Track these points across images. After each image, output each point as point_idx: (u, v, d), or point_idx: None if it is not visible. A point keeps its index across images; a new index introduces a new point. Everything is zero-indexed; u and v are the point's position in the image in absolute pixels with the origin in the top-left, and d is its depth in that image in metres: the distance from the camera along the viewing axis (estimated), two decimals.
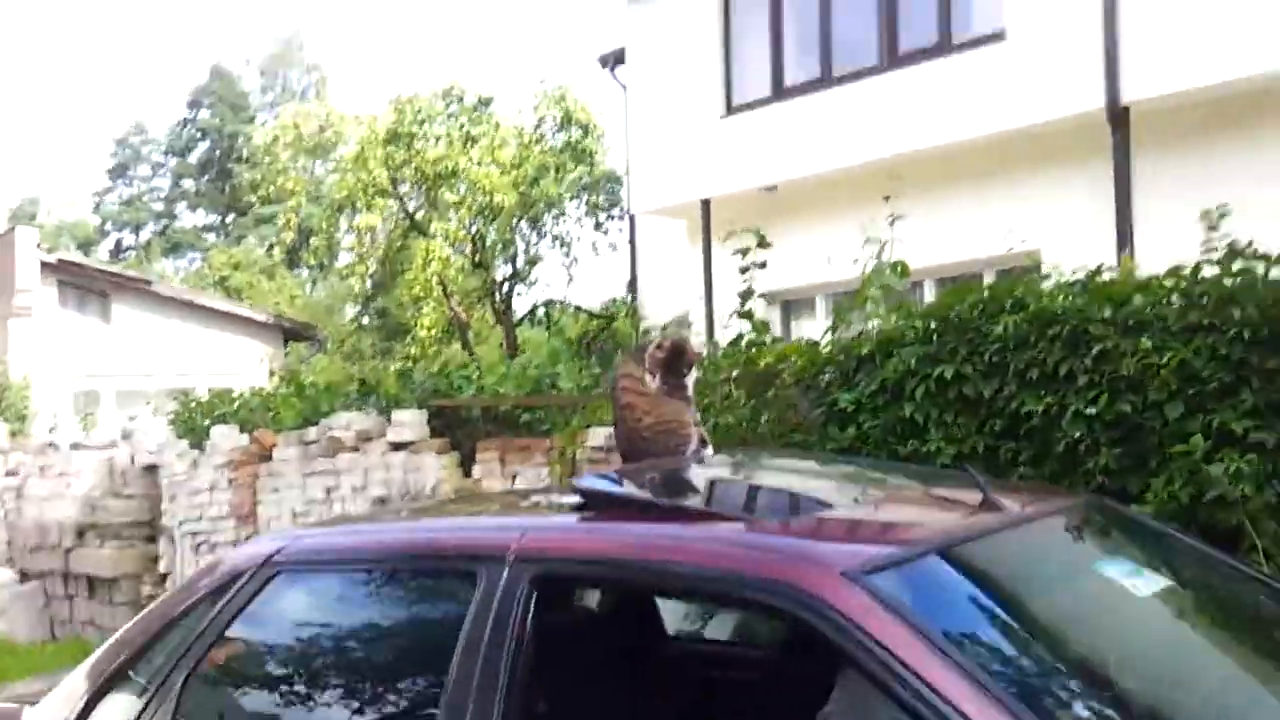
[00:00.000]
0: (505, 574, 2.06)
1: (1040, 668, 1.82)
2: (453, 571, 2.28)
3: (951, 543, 2.00)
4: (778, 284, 9.73)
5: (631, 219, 13.77)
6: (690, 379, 3.05)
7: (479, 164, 16.59)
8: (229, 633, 2.47)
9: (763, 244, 5.03)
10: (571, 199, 17.48)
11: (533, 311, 18.65)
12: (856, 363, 4.73)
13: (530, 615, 2.03)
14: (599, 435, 6.21)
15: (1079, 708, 1.73)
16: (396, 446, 7.59)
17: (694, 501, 2.66)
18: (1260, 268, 3.82)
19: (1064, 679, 1.79)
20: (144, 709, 2.41)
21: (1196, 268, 3.99)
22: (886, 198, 5.50)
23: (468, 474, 7.33)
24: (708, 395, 5.36)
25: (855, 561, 1.79)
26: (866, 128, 9.46)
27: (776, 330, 8.92)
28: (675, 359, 2.97)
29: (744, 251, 5.09)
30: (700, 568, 1.93)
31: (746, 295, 5.07)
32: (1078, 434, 3.95)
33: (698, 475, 2.88)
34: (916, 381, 4.45)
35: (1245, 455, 3.52)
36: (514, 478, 6.96)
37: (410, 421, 7.59)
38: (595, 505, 2.38)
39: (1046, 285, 4.42)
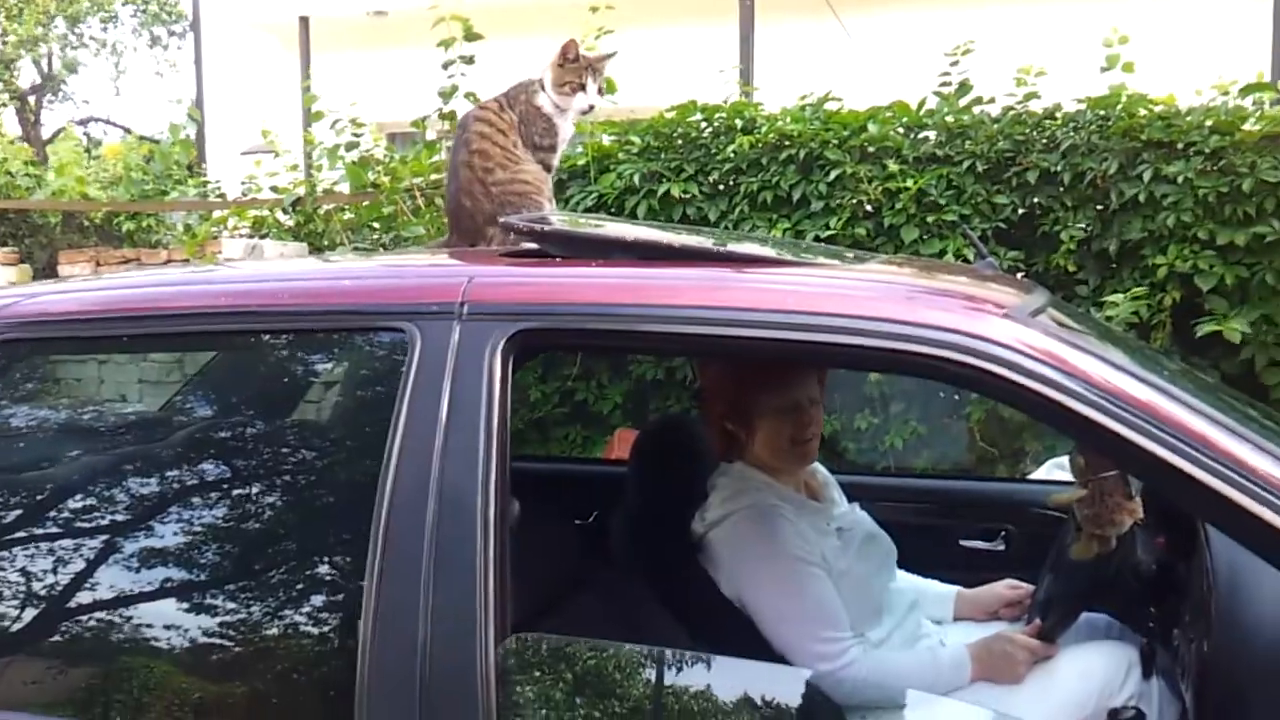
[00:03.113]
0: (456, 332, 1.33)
1: None
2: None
3: None
4: (386, 115, 9.06)
5: (197, 34, 12.00)
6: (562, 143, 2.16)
7: None
8: None
9: (471, 36, 4.46)
10: (125, 3, 15.06)
11: (67, 128, 15.96)
12: (567, 177, 4.40)
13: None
14: (235, 247, 5.33)
15: None
16: None
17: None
18: (980, 107, 3.98)
19: None
20: None
21: (922, 101, 4.07)
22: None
23: None
24: (392, 203, 4.84)
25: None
26: None
27: None
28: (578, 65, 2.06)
29: (447, 44, 4.50)
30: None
31: (449, 93, 4.50)
32: None
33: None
34: (638, 199, 4.21)
35: None
36: None
37: None
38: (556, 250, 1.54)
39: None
